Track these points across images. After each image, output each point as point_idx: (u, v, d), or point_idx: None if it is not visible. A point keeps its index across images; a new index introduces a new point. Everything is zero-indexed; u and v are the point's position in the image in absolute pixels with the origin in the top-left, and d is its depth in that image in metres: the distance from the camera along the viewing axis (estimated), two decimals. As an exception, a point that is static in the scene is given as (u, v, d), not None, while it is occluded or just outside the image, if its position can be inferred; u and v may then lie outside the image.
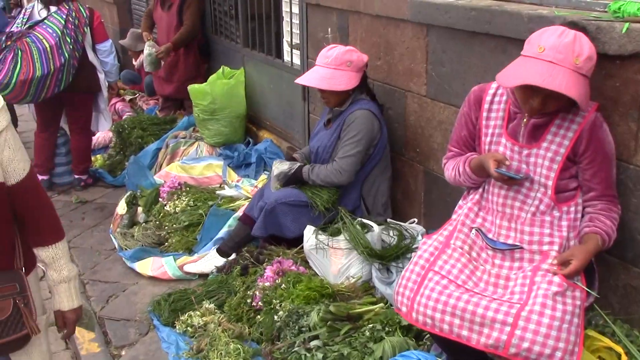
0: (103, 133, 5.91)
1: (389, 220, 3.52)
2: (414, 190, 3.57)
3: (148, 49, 5.74)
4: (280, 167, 3.55)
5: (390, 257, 3.14)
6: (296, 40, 4.64)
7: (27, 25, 4.83)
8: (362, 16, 3.67)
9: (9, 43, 4.66)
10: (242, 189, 4.45)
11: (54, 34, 4.79)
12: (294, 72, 4.70)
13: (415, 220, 3.52)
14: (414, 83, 3.39)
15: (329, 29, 4.01)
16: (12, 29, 4.83)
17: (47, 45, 4.75)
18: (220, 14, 5.99)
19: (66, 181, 5.53)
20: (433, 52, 3.20)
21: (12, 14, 16.80)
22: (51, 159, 5.41)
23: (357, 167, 3.42)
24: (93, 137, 5.80)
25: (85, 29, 5.03)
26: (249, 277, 3.34)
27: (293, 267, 3.21)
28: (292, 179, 3.50)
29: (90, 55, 5.13)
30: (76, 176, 5.44)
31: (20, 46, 4.69)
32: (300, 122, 4.74)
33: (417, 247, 3.24)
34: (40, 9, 4.96)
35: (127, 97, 7.01)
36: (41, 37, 4.77)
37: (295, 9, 4.55)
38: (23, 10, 5.04)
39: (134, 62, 7.52)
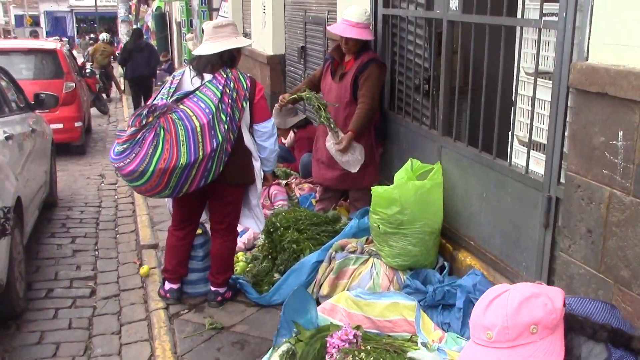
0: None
1: None
2: None
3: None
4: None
5: None
6: (540, 139, 3.18)
7: (174, 97, 3.74)
8: None
9: (150, 120, 3.57)
10: (447, 354, 2.98)
11: (207, 110, 3.66)
12: (527, 182, 3.23)
13: None
14: None
15: (620, 133, 2.52)
16: (155, 101, 3.75)
17: (197, 125, 3.62)
18: (405, 88, 4.67)
19: (200, 292, 4.32)
20: None
21: (163, 67, 16.80)
22: (185, 263, 4.25)
23: None
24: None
25: (244, 104, 3.87)
26: None
27: None
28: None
29: (246, 138, 3.95)
30: (213, 288, 4.22)
31: (164, 124, 3.59)
32: (534, 257, 3.23)
33: None
34: (193, 77, 3.87)
35: (283, 182, 5.82)
36: (190, 114, 3.65)
37: (544, 94, 3.10)
38: (171, 78, 3.97)
39: (283, 141, 6.41)
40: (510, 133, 3.41)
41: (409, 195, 3.73)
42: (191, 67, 3.94)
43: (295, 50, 7.69)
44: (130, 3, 20.35)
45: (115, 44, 22.87)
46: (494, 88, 3.50)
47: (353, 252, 4.05)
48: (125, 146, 3.57)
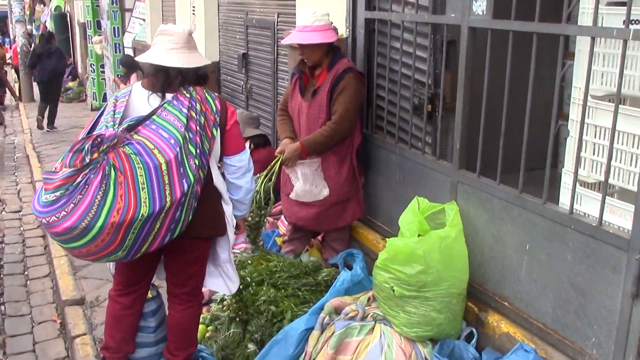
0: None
1: None
2: None
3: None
4: None
5: None
6: (619, 182, 2.47)
7: (124, 124, 2.77)
8: None
9: (95, 156, 2.60)
10: None
11: (173, 141, 2.73)
12: (602, 237, 2.52)
13: None
14: None
15: None
16: (99, 130, 2.75)
17: (162, 161, 2.67)
18: (399, 109, 3.86)
19: (151, 372, 3.35)
20: None
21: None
22: (132, 338, 3.25)
23: None
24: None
25: (215, 132, 2.95)
26: None
27: None
28: None
29: (215, 176, 3.03)
30: (171, 368, 3.26)
31: (115, 161, 2.63)
32: (611, 333, 2.51)
33: None
34: (150, 95, 2.91)
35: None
36: (151, 146, 2.70)
37: (628, 125, 2.40)
38: (113, 101, 2.96)
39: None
40: (572, 173, 2.69)
41: (434, 248, 2.94)
42: (149, 82, 2.96)
43: (234, 57, 6.76)
44: (25, 1, 18.51)
45: (8, 46, 20.83)
46: (541, 114, 2.79)
47: (353, 318, 3.21)
48: (58, 193, 2.58)
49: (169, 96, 2.87)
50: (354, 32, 4.15)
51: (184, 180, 2.73)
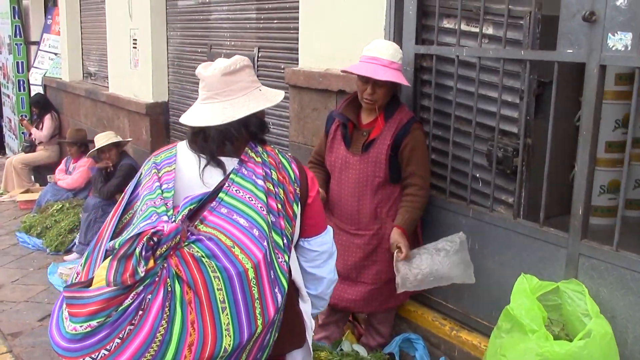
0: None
1: None
2: None
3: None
4: None
5: None
6: None
7: (183, 209, 1.86)
8: None
9: (151, 265, 1.69)
10: None
11: (257, 231, 1.84)
12: None
13: None
14: None
15: None
16: (147, 221, 1.84)
17: (249, 265, 1.78)
18: (461, 162, 3.20)
19: None
20: None
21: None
22: None
23: None
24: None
25: (296, 209, 2.10)
26: None
27: None
28: None
29: (294, 268, 2.18)
30: None
31: (179, 270, 1.72)
32: None
33: None
34: (205, 167, 2.02)
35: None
36: (229, 243, 1.79)
37: None
38: (151, 169, 2.03)
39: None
40: None
41: (595, 350, 2.26)
42: (191, 146, 2.09)
43: (190, 97, 5.86)
44: None
45: None
46: None
47: None
48: (95, 323, 1.63)
49: (231, 162, 2.01)
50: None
51: (276, 290, 1.85)
